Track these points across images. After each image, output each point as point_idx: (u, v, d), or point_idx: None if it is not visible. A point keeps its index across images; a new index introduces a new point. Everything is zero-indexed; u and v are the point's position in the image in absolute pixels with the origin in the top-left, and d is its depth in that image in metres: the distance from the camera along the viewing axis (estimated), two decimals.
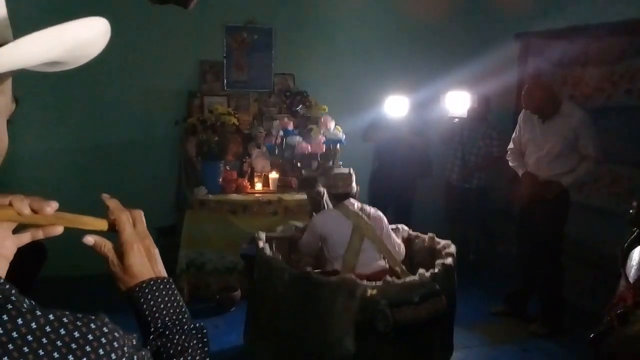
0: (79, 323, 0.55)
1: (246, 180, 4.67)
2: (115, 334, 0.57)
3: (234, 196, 4.47)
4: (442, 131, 5.06)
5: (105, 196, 0.89)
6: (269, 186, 4.67)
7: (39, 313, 0.53)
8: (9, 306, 0.52)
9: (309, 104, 5.06)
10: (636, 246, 1.50)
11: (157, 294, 0.85)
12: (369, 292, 2.66)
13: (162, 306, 0.84)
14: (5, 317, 0.51)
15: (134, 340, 0.61)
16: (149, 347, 0.82)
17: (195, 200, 4.33)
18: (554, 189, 3.76)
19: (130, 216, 0.87)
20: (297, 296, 2.81)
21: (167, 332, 0.83)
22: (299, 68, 5.20)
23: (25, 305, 0.53)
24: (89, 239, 0.86)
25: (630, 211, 1.54)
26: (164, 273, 0.88)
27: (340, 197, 3.33)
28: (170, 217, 4.77)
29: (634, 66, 4.05)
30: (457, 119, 4.77)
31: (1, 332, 0.50)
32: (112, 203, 0.88)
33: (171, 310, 0.85)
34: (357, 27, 5.30)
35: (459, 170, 5.02)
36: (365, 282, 2.74)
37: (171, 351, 0.82)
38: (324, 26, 5.22)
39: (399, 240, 3.39)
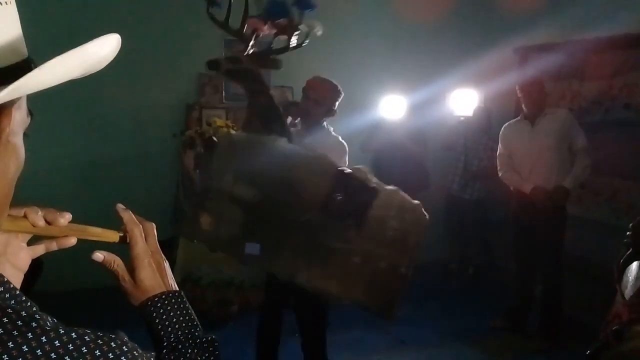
0: (100, 342, 0.56)
1: None
2: (135, 352, 0.59)
3: None
4: (444, 135, 4.99)
5: (120, 207, 0.90)
6: None
7: (62, 331, 0.54)
8: (34, 324, 0.53)
9: None
10: (632, 262, 1.49)
11: (168, 308, 0.85)
12: None
13: (174, 320, 0.85)
14: (30, 335, 0.52)
15: (152, 359, 0.63)
16: None
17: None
18: (562, 195, 3.73)
19: (142, 230, 0.88)
20: None
21: (179, 346, 0.84)
22: (297, 80, 5.19)
23: (49, 323, 0.54)
24: (99, 255, 0.87)
25: (628, 233, 1.53)
26: (175, 287, 0.89)
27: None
28: (167, 230, 4.74)
29: (632, 80, 4.06)
30: (462, 117, 4.69)
31: (26, 349, 0.51)
32: (126, 215, 0.89)
33: (183, 324, 0.85)
34: (355, 35, 5.30)
35: (459, 179, 5.00)
36: None
37: None
38: (324, 33, 5.22)
39: None
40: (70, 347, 0.53)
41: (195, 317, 0.88)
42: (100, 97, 4.62)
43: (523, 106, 3.95)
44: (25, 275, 0.81)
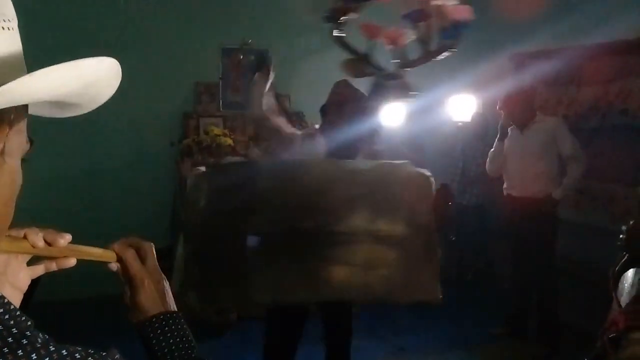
0: (90, 359, 0.56)
1: None
2: None
3: None
4: (441, 141, 5.00)
5: (113, 246, 0.91)
6: None
7: (52, 348, 0.54)
8: (24, 341, 0.53)
9: (305, 124, 5.06)
10: (627, 270, 1.49)
11: (165, 329, 0.86)
12: None
13: (170, 341, 0.86)
14: (20, 352, 0.52)
15: None
16: None
17: None
18: (550, 205, 3.79)
19: (134, 253, 0.89)
20: None
21: None
22: (295, 89, 5.21)
23: (39, 339, 0.54)
24: (114, 265, 0.89)
25: (621, 236, 1.53)
26: (173, 307, 0.90)
27: None
28: (165, 239, 4.73)
29: (628, 86, 4.07)
30: (460, 123, 4.70)
31: None
32: (116, 246, 0.90)
33: (180, 345, 0.86)
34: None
35: (457, 185, 5.01)
36: None
37: None
38: (318, 45, 5.23)
39: None
40: None
41: (192, 338, 0.89)
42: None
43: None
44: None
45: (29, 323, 0.56)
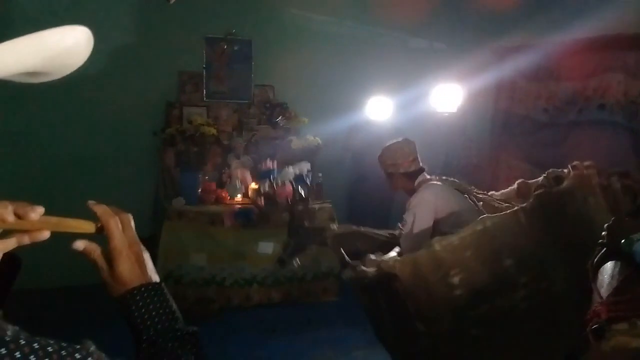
0: (63, 353, 0.53)
1: (225, 191, 4.65)
2: None
3: (213, 207, 4.45)
4: (424, 132, 5.01)
5: (91, 203, 0.86)
6: (248, 197, 4.66)
7: (22, 342, 0.51)
8: None
9: (289, 115, 5.08)
10: (605, 262, 1.54)
11: (147, 300, 0.83)
12: None
13: (153, 313, 0.82)
14: None
15: None
16: (140, 357, 0.80)
17: (173, 211, 4.30)
18: None
19: (118, 221, 0.85)
20: None
21: (159, 340, 0.81)
22: (279, 79, 5.21)
23: (8, 333, 0.52)
24: (79, 244, 0.84)
25: (603, 233, 1.58)
26: (155, 278, 0.86)
27: (415, 175, 2.86)
28: (148, 228, 4.73)
29: (606, 81, 4.15)
30: (447, 114, 4.64)
31: None
32: (99, 209, 0.85)
33: (163, 317, 0.83)
34: (337, 35, 5.33)
35: (439, 173, 5.05)
36: None
37: (164, 359, 0.80)
38: (303, 36, 5.24)
39: None
40: (32, 358, 0.51)
41: (177, 309, 0.85)
42: (80, 95, 4.57)
43: None
44: (3, 273, 0.79)
45: None
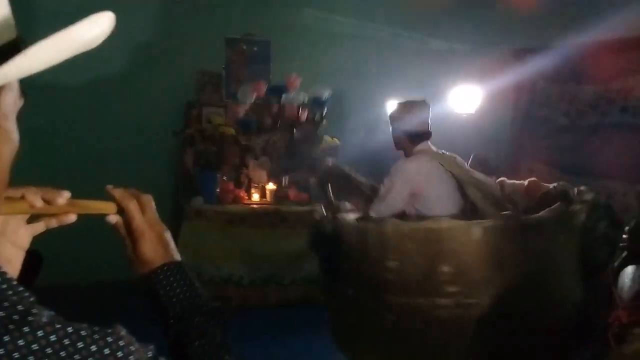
0: (96, 336, 0.55)
1: (243, 191, 4.67)
2: (132, 347, 0.57)
3: (231, 207, 4.48)
4: (442, 133, 4.98)
5: (109, 187, 0.89)
6: (266, 197, 4.68)
7: (58, 326, 0.53)
8: (30, 318, 0.52)
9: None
10: (626, 266, 1.52)
11: (171, 279, 0.85)
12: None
13: (177, 290, 0.84)
14: (26, 328, 0.51)
15: (149, 353, 0.61)
16: (168, 334, 0.83)
17: (192, 211, 4.33)
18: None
19: (137, 204, 0.87)
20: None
21: (185, 316, 0.83)
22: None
23: (45, 316, 0.54)
24: (112, 218, 0.87)
25: (624, 236, 1.56)
26: (177, 257, 0.88)
27: (417, 138, 2.78)
28: (167, 226, 4.74)
29: (629, 84, 4.09)
30: (465, 115, 4.61)
31: (22, 343, 0.50)
32: (118, 192, 0.88)
33: (187, 294, 0.85)
34: (355, 36, 5.32)
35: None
36: None
37: (191, 334, 0.82)
38: (321, 37, 5.25)
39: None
40: (66, 341, 0.53)
41: (199, 286, 0.87)
42: (100, 94, 4.63)
43: None
44: (25, 269, 0.79)
45: (32, 299, 0.55)
